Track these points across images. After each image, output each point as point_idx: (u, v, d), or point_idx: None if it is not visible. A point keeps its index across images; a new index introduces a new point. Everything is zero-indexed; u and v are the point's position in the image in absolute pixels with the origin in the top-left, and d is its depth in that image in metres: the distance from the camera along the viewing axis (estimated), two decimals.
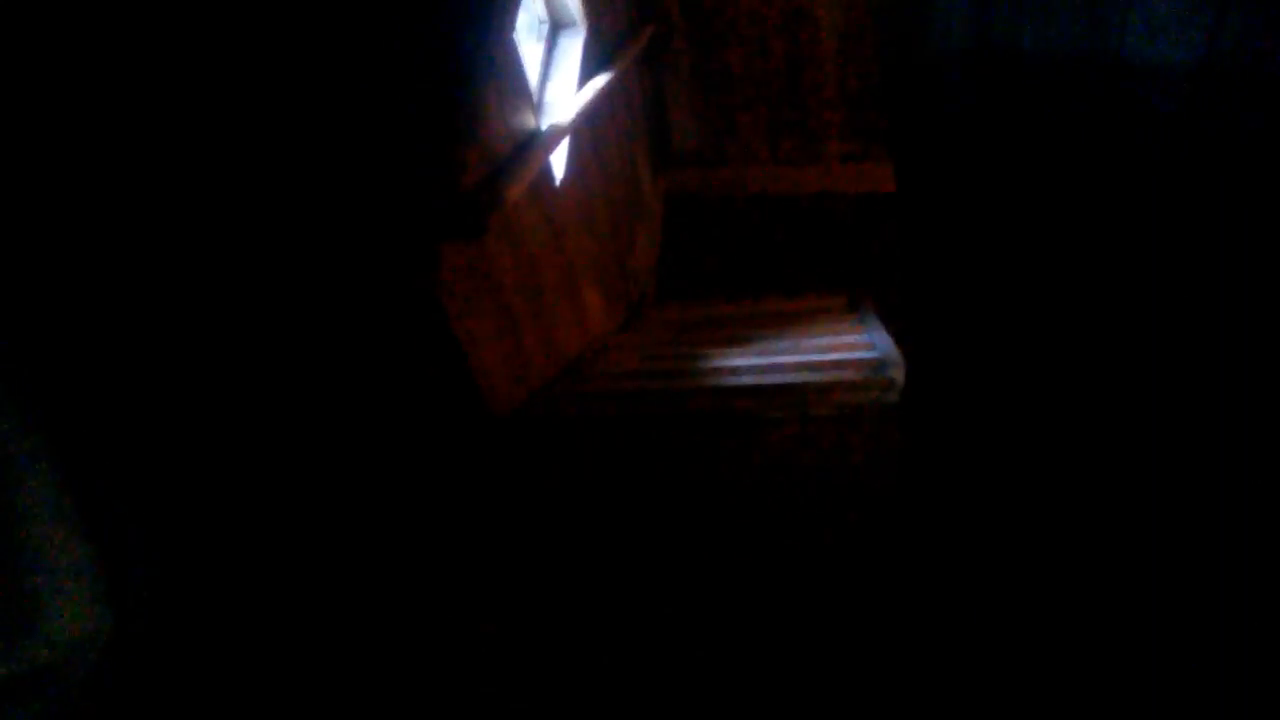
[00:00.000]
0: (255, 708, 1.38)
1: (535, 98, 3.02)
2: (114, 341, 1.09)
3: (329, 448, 1.63)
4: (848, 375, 2.94)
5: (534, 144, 2.66)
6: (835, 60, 4.67)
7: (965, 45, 1.57)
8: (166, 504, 1.04)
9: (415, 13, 2.15)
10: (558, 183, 3.02)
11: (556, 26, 3.48)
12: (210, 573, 1.21)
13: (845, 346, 3.46)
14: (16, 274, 0.92)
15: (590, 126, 3.47)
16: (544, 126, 2.86)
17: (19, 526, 0.83)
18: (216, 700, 1.26)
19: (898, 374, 2.82)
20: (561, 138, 2.88)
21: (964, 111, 1.64)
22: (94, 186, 1.08)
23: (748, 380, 2.97)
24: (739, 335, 3.79)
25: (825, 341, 3.58)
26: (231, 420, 1.30)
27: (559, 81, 3.32)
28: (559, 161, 3.09)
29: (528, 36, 3.39)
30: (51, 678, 0.86)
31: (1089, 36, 1.06)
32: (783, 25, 4.58)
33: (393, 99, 2.02)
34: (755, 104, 4.88)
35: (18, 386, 0.82)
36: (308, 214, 1.68)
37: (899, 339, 3.34)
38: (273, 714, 1.44)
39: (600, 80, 3.37)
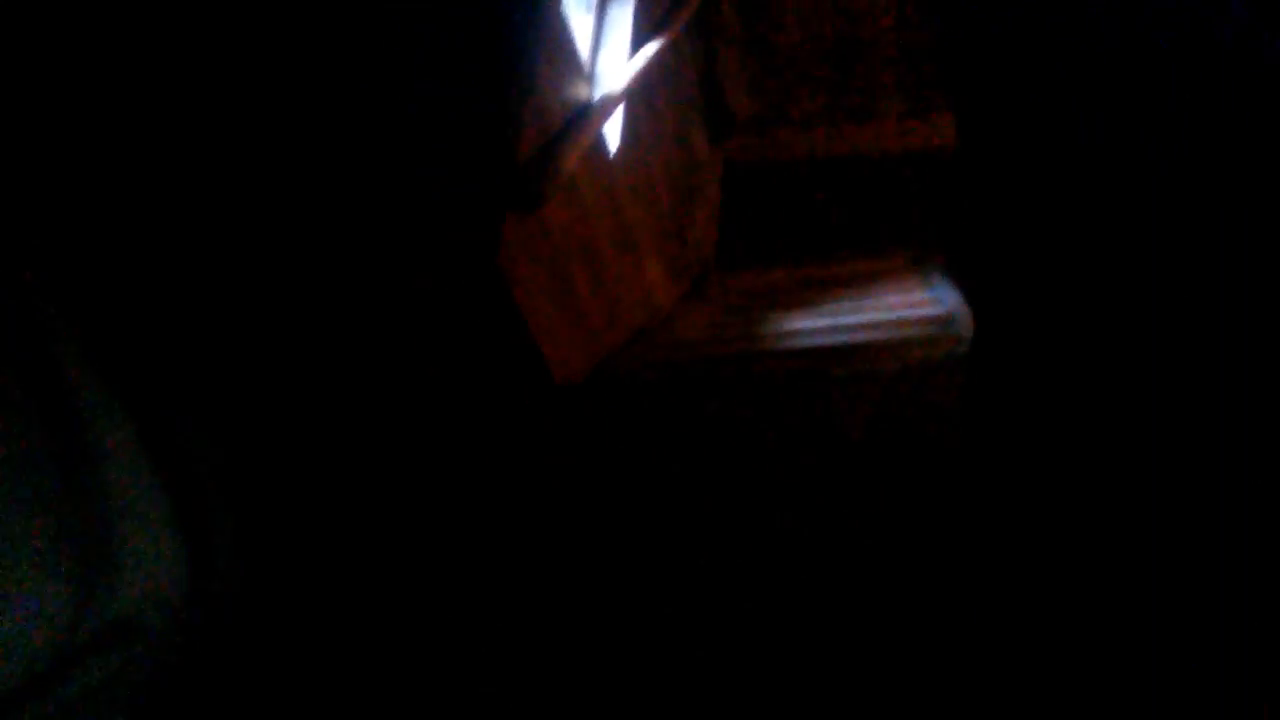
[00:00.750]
0: (317, 669, 1.41)
1: (587, 68, 3.01)
2: (202, 315, 1.12)
3: (398, 416, 1.66)
4: (914, 331, 2.90)
5: (588, 114, 2.65)
6: (890, 17, 4.58)
7: None
8: (247, 471, 1.08)
9: None
10: (614, 153, 3.02)
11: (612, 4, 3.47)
12: (284, 539, 1.24)
13: (910, 304, 3.41)
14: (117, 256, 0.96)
15: (644, 96, 3.45)
16: (597, 97, 2.86)
17: (103, 486, 0.87)
18: (282, 660, 1.30)
19: (964, 328, 2.77)
20: (615, 107, 2.87)
21: (1024, 50, 1.60)
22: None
23: (815, 341, 2.94)
24: (804, 299, 3.75)
25: (890, 300, 3.52)
26: (306, 391, 1.34)
27: (610, 51, 3.31)
28: (614, 132, 3.09)
29: (578, 6, 3.38)
30: (131, 631, 0.89)
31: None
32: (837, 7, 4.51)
33: (448, 73, 2.04)
34: (810, 65, 4.81)
35: (105, 351, 0.86)
36: (370, 188, 1.71)
37: (964, 294, 3.28)
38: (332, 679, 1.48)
39: (651, 48, 3.35)
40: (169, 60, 1.16)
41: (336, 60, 1.62)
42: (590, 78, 3.02)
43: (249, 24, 1.32)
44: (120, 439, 0.88)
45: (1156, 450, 1.23)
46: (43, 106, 0.96)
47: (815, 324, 3.27)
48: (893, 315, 3.25)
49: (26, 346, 0.83)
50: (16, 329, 0.83)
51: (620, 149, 3.09)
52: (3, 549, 0.81)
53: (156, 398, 0.92)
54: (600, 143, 2.89)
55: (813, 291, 3.86)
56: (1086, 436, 1.52)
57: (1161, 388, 1.15)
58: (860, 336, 2.91)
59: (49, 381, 0.83)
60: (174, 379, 0.97)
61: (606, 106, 2.79)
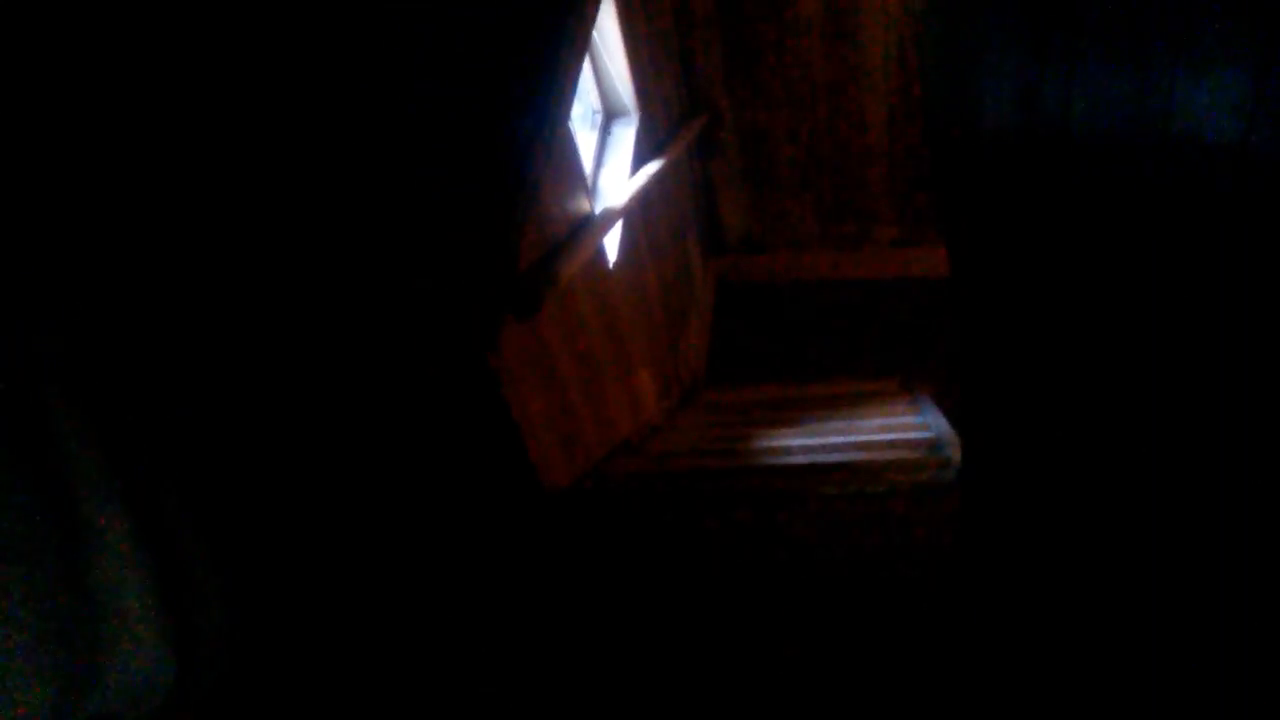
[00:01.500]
0: None
1: (589, 183, 3.10)
2: (194, 401, 1.13)
3: (385, 512, 1.65)
4: (902, 454, 2.91)
5: (588, 227, 2.72)
6: (883, 147, 4.74)
7: (1014, 120, 1.59)
8: (232, 559, 1.07)
9: (476, 102, 2.25)
10: (611, 265, 3.08)
11: (610, 116, 3.59)
12: (273, 626, 1.22)
13: (899, 427, 3.44)
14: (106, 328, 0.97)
15: (642, 212, 3.54)
16: (598, 211, 2.93)
17: (94, 575, 0.85)
18: None
19: (953, 452, 2.79)
20: (615, 222, 2.95)
21: (1013, 188, 1.65)
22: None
23: (801, 459, 2.96)
24: (792, 417, 3.77)
25: (879, 422, 3.56)
26: (293, 480, 1.33)
27: (612, 168, 3.41)
28: (612, 245, 3.16)
29: (583, 125, 3.50)
30: None
31: (1138, 108, 1.07)
32: (829, 117, 4.68)
33: (454, 183, 2.09)
34: (804, 192, 4.95)
35: (89, 430, 0.85)
36: (372, 289, 1.73)
37: (953, 420, 3.31)
38: None
39: (652, 167, 3.46)
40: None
41: (345, 156, 1.66)
42: (592, 192, 3.11)
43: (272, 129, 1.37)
44: (114, 523, 0.87)
45: (1158, 586, 1.23)
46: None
47: (804, 442, 3.29)
48: (882, 437, 3.28)
49: (23, 419, 0.82)
50: (11, 400, 0.83)
51: (617, 261, 3.15)
52: None
53: (151, 480, 0.92)
54: (598, 254, 2.95)
55: (802, 410, 3.88)
56: (1079, 566, 1.51)
57: (1163, 525, 1.16)
58: (849, 456, 2.92)
59: (46, 456, 0.82)
60: (167, 458, 0.97)
61: (606, 220, 2.87)
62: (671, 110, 4.18)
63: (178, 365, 1.14)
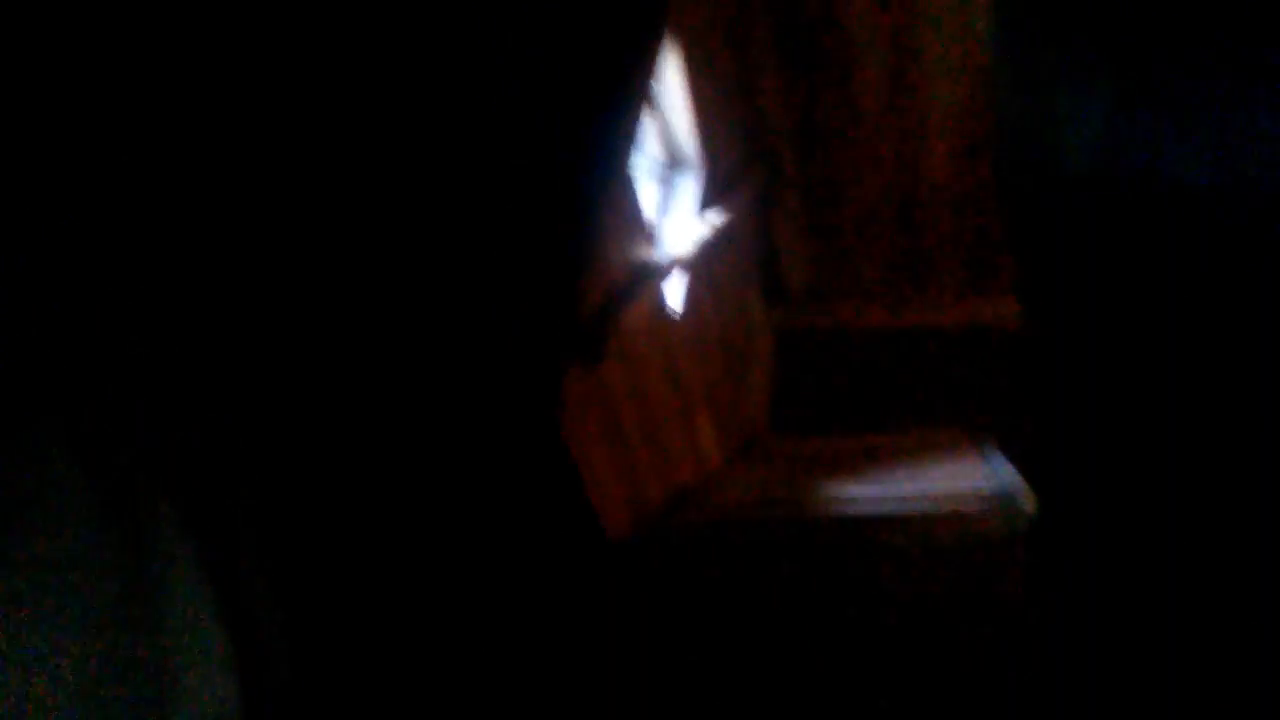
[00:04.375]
0: None
1: (652, 232, 3.12)
2: (259, 450, 1.14)
3: (450, 556, 1.65)
4: (971, 505, 2.84)
5: (650, 276, 2.73)
6: (947, 197, 4.70)
7: (1095, 171, 1.54)
8: (299, 597, 1.07)
9: (542, 154, 2.27)
10: (673, 314, 3.09)
11: (673, 166, 3.63)
12: (336, 667, 1.22)
13: (967, 478, 3.35)
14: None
15: (704, 261, 3.55)
16: (660, 259, 2.94)
17: (163, 616, 0.86)
18: None
19: (1024, 505, 2.71)
20: (676, 270, 2.96)
21: (1091, 240, 1.61)
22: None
23: (868, 509, 2.90)
24: (856, 467, 3.71)
25: (946, 472, 3.48)
26: (350, 520, 1.34)
27: (674, 217, 3.43)
28: (674, 293, 3.16)
29: (645, 175, 3.53)
30: None
31: (1222, 161, 1.04)
32: (893, 168, 4.66)
33: (518, 231, 2.11)
34: (867, 243, 4.92)
35: (158, 473, 0.86)
36: (444, 335, 1.75)
37: (1025, 472, 3.22)
38: None
39: (713, 217, 3.47)
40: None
41: (422, 215, 1.69)
42: (654, 241, 3.13)
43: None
44: (183, 564, 0.87)
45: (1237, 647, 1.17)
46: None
47: (868, 492, 3.22)
48: (949, 488, 3.20)
49: (99, 456, 0.84)
50: (93, 439, 0.84)
51: (679, 310, 3.15)
52: (58, 674, 0.79)
53: (218, 520, 0.93)
54: (661, 302, 2.96)
55: (865, 460, 3.82)
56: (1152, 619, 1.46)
57: (1237, 583, 1.11)
58: (915, 507, 2.85)
59: (117, 492, 0.83)
60: (233, 501, 0.98)
61: (668, 268, 2.88)
62: (734, 161, 4.21)
63: (244, 416, 1.16)
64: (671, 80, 3.39)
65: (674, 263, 2.93)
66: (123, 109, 1.00)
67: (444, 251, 1.82)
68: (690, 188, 3.56)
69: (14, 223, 0.88)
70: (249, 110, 1.19)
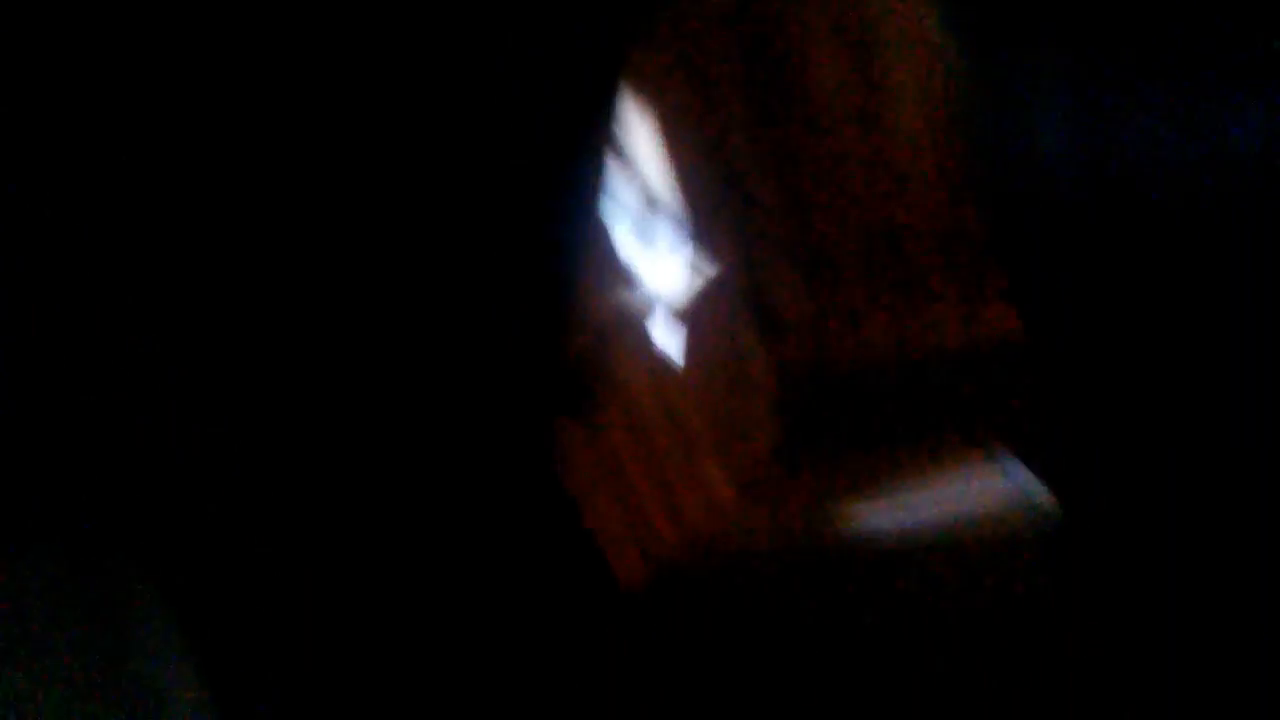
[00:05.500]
0: None
1: (632, 276, 3.09)
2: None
3: (455, 617, 1.59)
4: (993, 515, 2.79)
5: (633, 319, 2.70)
6: (944, 205, 4.67)
7: (1073, 173, 1.52)
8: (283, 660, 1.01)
9: (516, 199, 2.24)
10: (663, 356, 3.05)
11: (649, 209, 3.61)
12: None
13: (986, 490, 3.30)
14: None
15: (688, 300, 3.53)
16: (642, 302, 2.92)
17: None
18: None
19: (1047, 508, 2.65)
20: (661, 311, 2.93)
21: (1072, 229, 1.58)
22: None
23: (889, 534, 2.84)
24: (870, 493, 3.65)
25: (965, 487, 3.42)
26: (348, 594, 1.28)
27: (654, 259, 3.41)
28: (663, 335, 3.13)
29: (622, 220, 3.51)
30: None
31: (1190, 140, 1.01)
32: (873, 192, 4.64)
33: (496, 282, 2.07)
34: (857, 262, 4.89)
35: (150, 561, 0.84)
36: (429, 390, 1.70)
37: (1042, 476, 3.17)
38: None
39: (694, 254, 3.45)
40: None
41: (402, 272, 1.66)
42: (635, 284, 3.10)
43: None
44: (159, 632, 0.84)
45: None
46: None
47: (887, 516, 3.16)
48: (968, 503, 3.13)
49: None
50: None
51: (670, 352, 3.12)
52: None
53: (196, 587, 0.89)
54: (650, 346, 2.92)
55: (879, 484, 3.75)
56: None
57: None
58: (936, 524, 2.80)
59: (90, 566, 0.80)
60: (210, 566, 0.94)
61: (651, 310, 2.85)
62: (710, 196, 4.21)
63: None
64: (638, 124, 3.39)
65: (657, 304, 2.90)
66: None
67: (422, 307, 1.78)
68: (667, 229, 3.54)
69: None
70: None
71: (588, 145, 2.55)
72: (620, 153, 3.38)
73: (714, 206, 4.28)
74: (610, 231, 2.76)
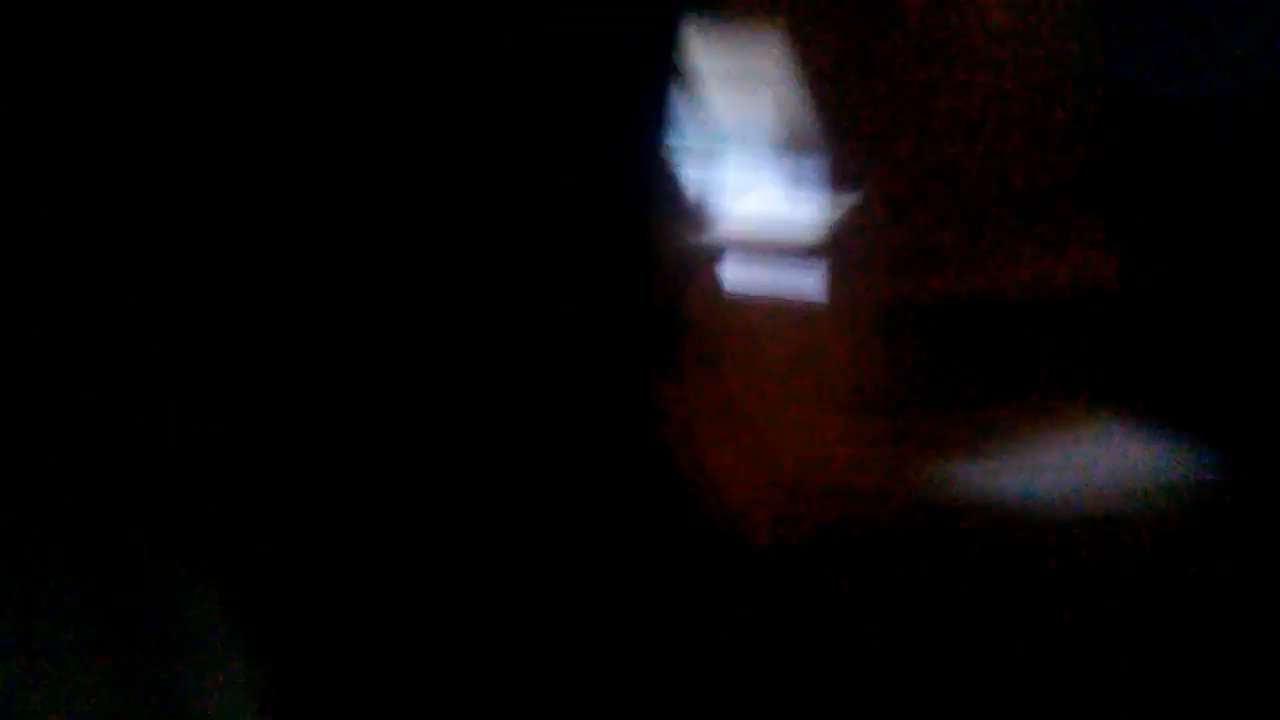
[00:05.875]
0: None
1: (712, 216, 3.06)
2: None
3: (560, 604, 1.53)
4: (1113, 482, 2.70)
5: (719, 259, 2.76)
6: (1038, 141, 4.49)
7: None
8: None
9: (595, 149, 2.20)
10: (758, 300, 2.99)
11: (739, 149, 3.54)
12: None
13: (1104, 452, 3.21)
14: None
15: (777, 239, 3.48)
16: (727, 241, 2.89)
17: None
18: None
19: (1189, 473, 2.52)
20: (753, 252, 2.91)
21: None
22: None
23: (1016, 501, 2.75)
24: (991, 450, 3.59)
25: (1088, 450, 3.33)
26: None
27: (738, 197, 3.36)
28: (757, 280, 3.07)
29: (701, 158, 3.47)
30: None
31: None
32: (969, 130, 4.47)
33: (574, 230, 2.04)
34: (948, 201, 4.73)
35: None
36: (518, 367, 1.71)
37: (1168, 437, 3.10)
38: None
39: (785, 196, 3.38)
40: None
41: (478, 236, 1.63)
42: (716, 224, 3.05)
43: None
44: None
45: None
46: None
47: (1014, 480, 3.10)
48: (1095, 464, 3.05)
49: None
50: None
51: (764, 297, 3.06)
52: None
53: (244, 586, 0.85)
54: (743, 290, 2.90)
55: (998, 441, 3.70)
56: None
57: None
58: (1067, 493, 2.69)
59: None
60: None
61: (743, 250, 2.83)
62: (801, 138, 4.17)
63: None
64: (714, 54, 3.33)
65: (748, 244, 2.87)
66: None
67: (492, 274, 1.76)
68: (761, 171, 3.47)
69: None
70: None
71: (649, 79, 2.51)
72: (691, 87, 3.35)
73: (795, 140, 4.23)
74: (706, 172, 2.74)
